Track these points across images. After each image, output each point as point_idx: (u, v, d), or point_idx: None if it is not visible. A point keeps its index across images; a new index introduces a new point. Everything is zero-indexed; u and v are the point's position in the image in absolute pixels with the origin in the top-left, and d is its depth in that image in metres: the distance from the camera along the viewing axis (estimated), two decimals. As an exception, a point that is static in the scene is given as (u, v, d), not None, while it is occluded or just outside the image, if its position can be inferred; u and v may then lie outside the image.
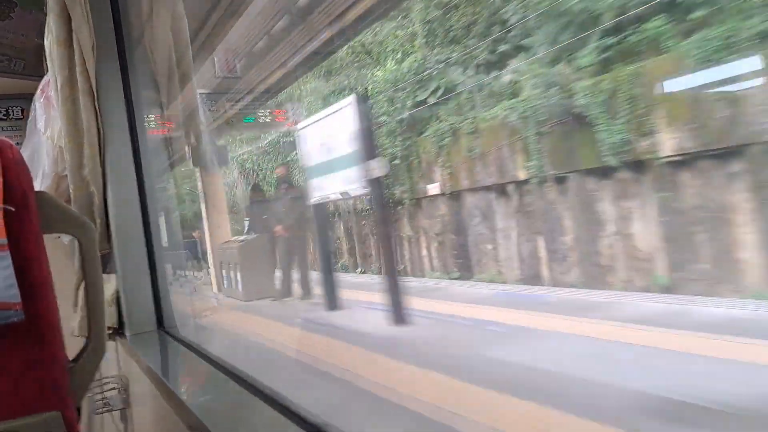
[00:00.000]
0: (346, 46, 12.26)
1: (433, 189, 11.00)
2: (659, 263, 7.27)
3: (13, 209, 0.80)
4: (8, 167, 0.81)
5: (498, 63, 9.93)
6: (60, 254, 1.98)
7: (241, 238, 11.12)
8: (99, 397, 2.04)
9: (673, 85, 6.80)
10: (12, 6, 2.94)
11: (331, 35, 6.13)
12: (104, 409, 2.00)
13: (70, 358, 0.96)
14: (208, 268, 12.19)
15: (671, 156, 6.91)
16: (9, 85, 3.18)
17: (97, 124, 1.74)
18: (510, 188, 9.50)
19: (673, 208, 6.98)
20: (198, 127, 1.97)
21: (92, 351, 0.97)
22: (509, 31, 9.41)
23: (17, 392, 0.83)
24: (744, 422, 3.19)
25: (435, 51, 11.26)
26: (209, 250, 11.81)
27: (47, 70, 1.97)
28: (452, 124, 10.40)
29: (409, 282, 9.20)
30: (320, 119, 7.42)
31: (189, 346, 1.61)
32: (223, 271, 10.86)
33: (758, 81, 5.95)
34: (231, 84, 8.72)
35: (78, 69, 1.69)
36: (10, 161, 0.82)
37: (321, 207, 8.47)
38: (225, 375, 1.26)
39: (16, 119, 3.32)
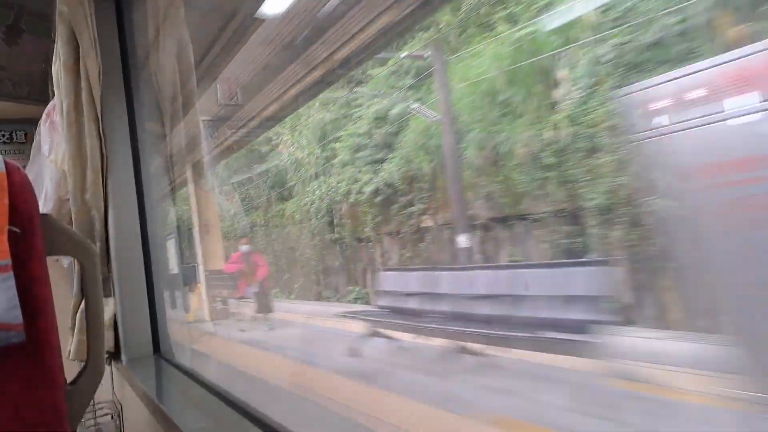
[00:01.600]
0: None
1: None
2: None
3: (18, 231, 0.81)
4: (15, 190, 0.82)
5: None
6: (58, 278, 1.97)
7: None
8: (91, 422, 2.02)
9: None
10: (20, 33, 2.99)
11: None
12: (96, 435, 1.98)
13: (68, 381, 0.96)
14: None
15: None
16: (13, 109, 3.22)
17: (101, 149, 1.76)
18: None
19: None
20: (200, 152, 1.99)
21: (90, 374, 0.97)
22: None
23: (16, 414, 0.83)
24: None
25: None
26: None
27: (53, 95, 2.00)
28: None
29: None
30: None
31: (185, 371, 1.60)
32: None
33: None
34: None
35: (84, 95, 1.72)
36: (17, 184, 0.83)
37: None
38: (221, 401, 1.26)
39: (19, 143, 3.35)
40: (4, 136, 3.33)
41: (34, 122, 3.32)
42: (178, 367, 1.70)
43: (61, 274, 2.45)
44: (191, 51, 1.97)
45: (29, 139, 3.31)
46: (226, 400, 1.24)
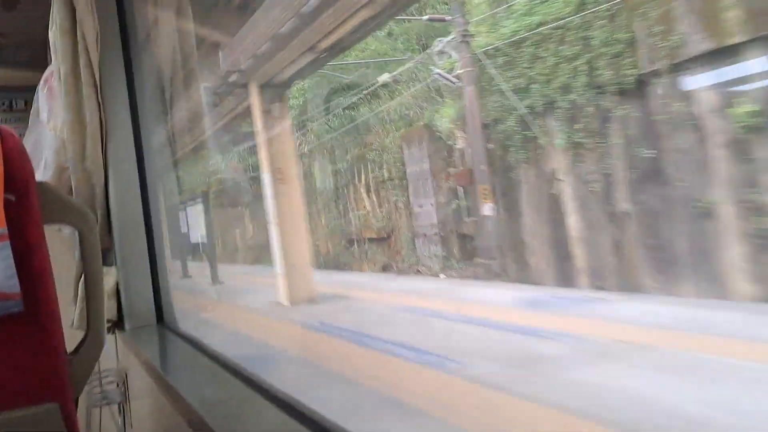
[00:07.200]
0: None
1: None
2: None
3: (13, 199, 0.79)
4: (9, 156, 0.80)
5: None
6: (60, 246, 1.97)
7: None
8: (97, 390, 2.03)
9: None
10: (17, -4, 2.93)
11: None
12: (103, 402, 2.00)
13: (70, 350, 0.95)
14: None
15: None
16: (13, 76, 3.17)
17: (100, 116, 1.73)
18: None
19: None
20: (202, 121, 1.97)
21: (91, 343, 0.96)
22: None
23: (16, 382, 0.82)
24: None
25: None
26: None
27: (51, 61, 1.97)
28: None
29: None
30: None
31: (189, 340, 1.60)
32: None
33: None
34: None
35: (82, 60, 1.68)
36: (12, 150, 0.81)
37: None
38: (225, 370, 1.25)
39: (19, 111, 3.31)
40: (3, 104, 3.29)
41: (33, 89, 3.29)
42: (182, 336, 1.70)
43: (64, 243, 2.44)
44: (191, 19, 1.93)
45: (29, 106, 3.28)
46: (229, 368, 1.24)
